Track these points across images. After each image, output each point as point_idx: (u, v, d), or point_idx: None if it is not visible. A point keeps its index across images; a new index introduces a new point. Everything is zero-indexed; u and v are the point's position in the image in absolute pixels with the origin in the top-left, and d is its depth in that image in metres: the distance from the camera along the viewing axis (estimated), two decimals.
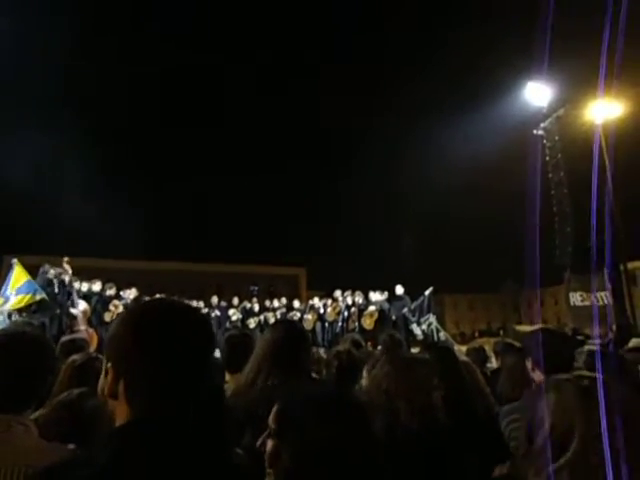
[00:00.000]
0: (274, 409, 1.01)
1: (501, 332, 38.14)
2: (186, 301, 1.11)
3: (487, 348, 4.65)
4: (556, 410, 1.25)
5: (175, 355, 0.91)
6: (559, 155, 16.47)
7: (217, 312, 12.95)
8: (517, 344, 4.00)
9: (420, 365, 1.70)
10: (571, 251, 15.88)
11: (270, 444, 0.97)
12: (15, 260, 8.63)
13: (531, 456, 1.26)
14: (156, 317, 0.95)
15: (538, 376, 1.97)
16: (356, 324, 12.19)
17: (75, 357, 2.31)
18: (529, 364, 2.03)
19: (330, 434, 0.93)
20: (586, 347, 4.02)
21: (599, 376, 1.24)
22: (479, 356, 4.25)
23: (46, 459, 1.14)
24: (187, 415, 0.92)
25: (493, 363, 4.43)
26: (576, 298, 15.40)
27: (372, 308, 12.18)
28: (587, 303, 15.00)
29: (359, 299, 12.71)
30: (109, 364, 0.93)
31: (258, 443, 1.01)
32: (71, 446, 1.31)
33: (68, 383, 2.09)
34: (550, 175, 16.57)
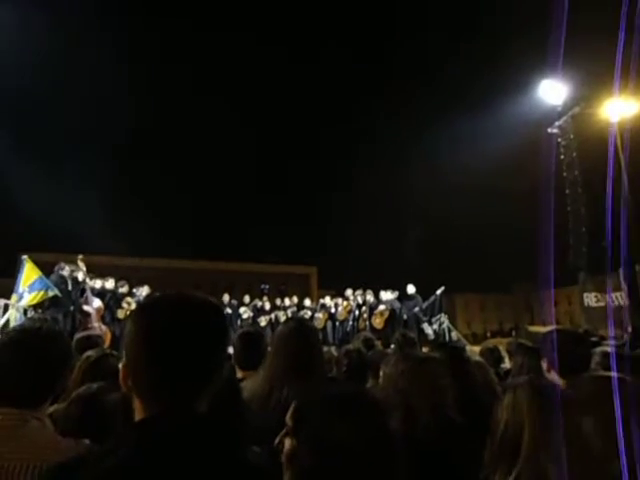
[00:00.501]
0: (291, 407, 1.01)
1: (513, 332, 37.82)
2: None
3: (501, 348, 4.61)
4: (509, 412, 1.27)
5: (181, 350, 0.89)
6: (574, 154, 16.25)
7: (228, 310, 13.01)
8: (530, 344, 3.96)
9: (433, 364, 1.70)
10: (586, 251, 15.67)
11: (288, 443, 0.96)
12: (25, 257, 8.60)
13: (493, 457, 1.28)
14: (161, 311, 0.93)
15: (554, 377, 1.94)
16: (367, 323, 12.17)
17: (90, 353, 2.34)
18: (544, 365, 2.01)
19: (347, 432, 0.92)
20: (599, 348, 3.97)
21: (614, 374, 1.23)
22: (493, 356, 4.21)
23: (61, 454, 1.14)
24: (199, 411, 0.91)
25: (507, 363, 4.39)
26: (590, 299, 15.21)
27: (382, 307, 12.15)
28: (602, 304, 14.80)
29: (370, 298, 12.69)
30: (124, 360, 0.93)
31: (276, 441, 1.00)
32: (86, 441, 1.31)
33: (82, 379, 2.11)
34: (565, 174, 16.36)
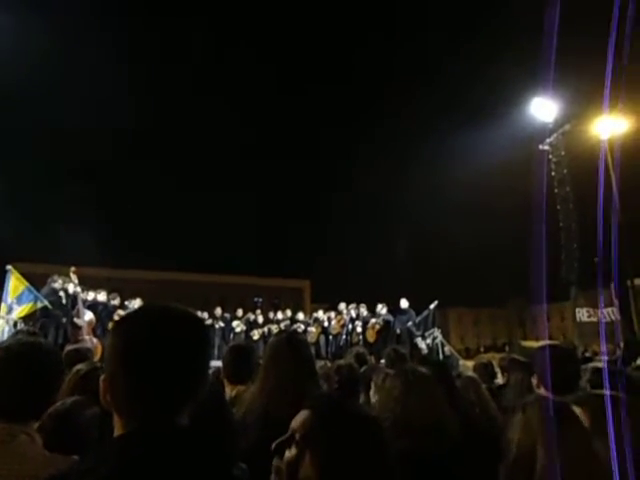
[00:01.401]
0: (303, 415, 0.98)
1: (506, 348, 37.81)
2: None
3: (494, 364, 4.62)
4: (520, 430, 1.28)
5: (160, 363, 0.87)
6: (565, 170, 16.46)
7: (221, 323, 12.92)
8: (523, 360, 3.97)
9: (430, 381, 1.69)
10: (577, 267, 15.78)
11: (293, 451, 0.94)
12: (10, 267, 8.49)
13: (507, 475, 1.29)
14: (140, 325, 0.91)
15: (544, 392, 1.95)
16: (360, 337, 12.12)
17: (80, 367, 2.31)
18: (534, 381, 2.02)
19: (360, 449, 0.92)
20: (590, 364, 3.97)
21: (607, 393, 1.25)
22: (487, 371, 4.22)
23: (50, 470, 1.13)
24: (181, 425, 0.89)
25: (499, 379, 4.40)
26: (582, 314, 15.28)
27: (374, 321, 12.12)
28: (594, 319, 14.87)
29: (364, 312, 12.66)
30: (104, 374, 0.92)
31: (273, 446, 0.97)
32: (75, 457, 1.29)
33: (71, 392, 2.09)
34: (556, 190, 16.55)
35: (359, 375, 2.88)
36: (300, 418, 0.98)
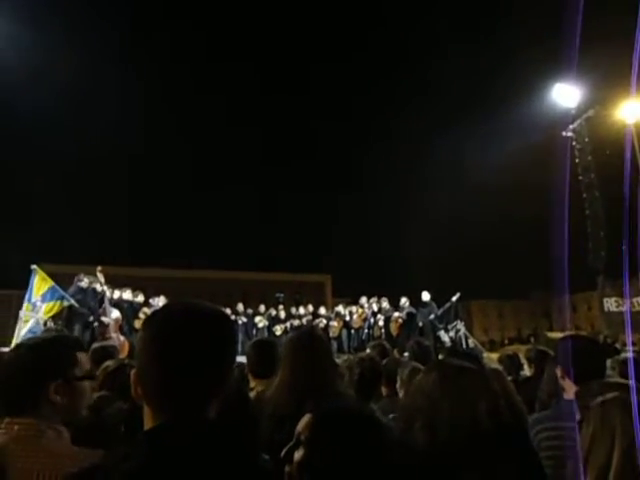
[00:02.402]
0: (309, 418, 1.00)
1: (532, 339, 37.20)
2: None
3: (520, 356, 4.54)
4: (597, 427, 1.24)
5: (190, 357, 0.90)
6: (589, 157, 16.05)
7: (243, 319, 13.05)
8: (550, 352, 3.90)
9: (468, 375, 1.65)
10: (604, 255, 15.39)
11: (300, 453, 0.96)
12: (35, 267, 8.66)
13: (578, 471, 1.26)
14: (171, 320, 0.95)
15: (568, 384, 1.91)
16: (382, 331, 12.09)
17: (108, 363, 2.37)
18: (559, 372, 1.98)
19: (366, 453, 0.92)
20: (622, 355, 3.87)
21: (632, 383, 1.21)
22: (513, 363, 4.15)
23: (77, 464, 1.15)
24: (209, 418, 0.91)
25: (526, 370, 4.33)
26: (610, 304, 14.92)
27: (397, 314, 12.07)
28: (622, 309, 14.51)
29: (385, 305, 12.62)
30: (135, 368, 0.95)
31: (282, 453, 1.00)
32: (100, 452, 1.32)
33: (100, 388, 2.15)
34: (580, 177, 16.16)
35: (381, 368, 2.88)
36: (304, 421, 1.00)
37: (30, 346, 1.41)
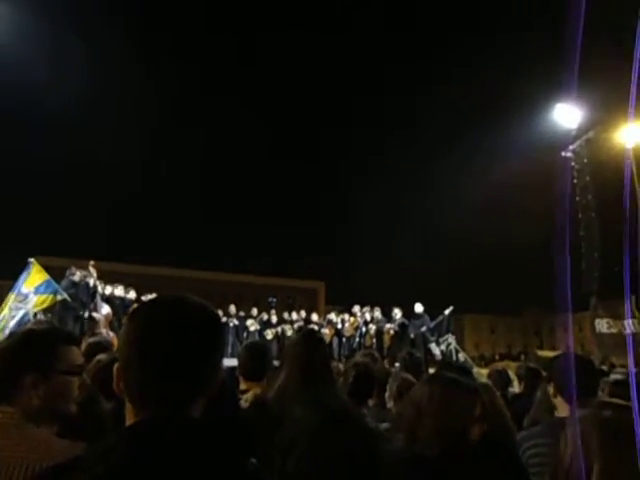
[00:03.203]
0: (313, 419, 1.00)
1: (522, 357, 37.22)
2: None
3: (509, 372, 4.55)
4: (575, 443, 1.24)
5: (173, 352, 0.87)
6: (587, 178, 16.16)
7: (235, 321, 13.00)
8: (541, 370, 3.91)
9: (463, 391, 1.66)
10: (598, 277, 15.46)
11: (300, 452, 0.95)
12: (32, 260, 8.63)
13: None
14: (155, 313, 0.92)
15: (560, 402, 1.91)
16: (374, 340, 12.08)
17: (100, 357, 2.36)
18: (551, 389, 1.98)
19: (335, 452, 0.92)
20: (612, 376, 3.88)
21: (635, 404, 1.21)
22: (501, 379, 4.16)
23: (59, 456, 1.13)
24: (191, 417, 0.88)
25: (515, 387, 4.33)
26: (602, 325, 14.95)
27: (389, 326, 12.06)
28: (614, 330, 14.54)
29: (378, 315, 12.62)
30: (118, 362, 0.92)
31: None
32: (82, 444, 1.28)
33: (91, 382, 2.13)
34: (578, 198, 16.26)
35: (375, 374, 2.87)
36: (309, 421, 1.00)
37: (15, 336, 1.40)
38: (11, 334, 1.45)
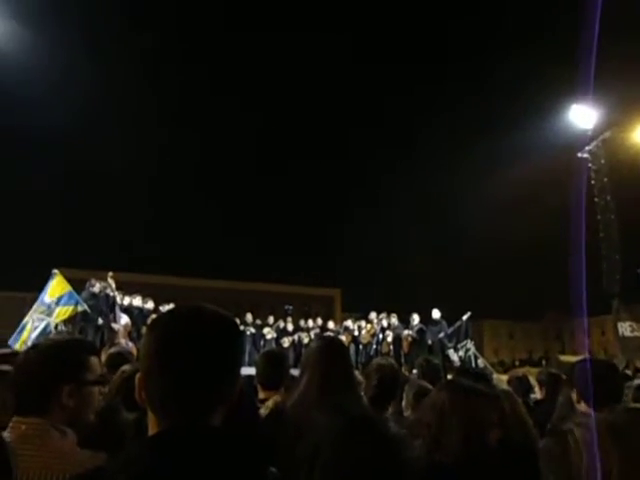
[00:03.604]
0: (336, 426, 1.00)
1: (543, 362, 36.57)
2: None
3: (530, 378, 4.48)
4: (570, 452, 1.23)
5: (194, 361, 0.87)
6: (605, 179, 15.91)
7: (252, 330, 13.03)
8: (562, 375, 3.84)
9: (480, 397, 1.64)
10: (619, 278, 15.15)
11: (325, 458, 0.95)
12: (56, 271, 8.78)
13: None
14: (175, 323, 0.93)
15: (584, 408, 1.88)
16: (391, 347, 11.99)
17: (125, 368, 2.40)
18: (574, 395, 1.95)
19: (358, 459, 0.92)
20: (636, 381, 3.79)
21: None
22: (522, 385, 4.09)
23: (80, 466, 1.15)
24: (212, 426, 0.89)
25: (537, 393, 4.26)
26: (625, 328, 14.63)
27: (407, 332, 11.97)
28: (637, 334, 14.22)
29: (395, 321, 12.53)
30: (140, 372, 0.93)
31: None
32: (103, 455, 1.30)
33: (116, 392, 2.17)
34: (596, 199, 16.01)
35: (401, 377, 2.84)
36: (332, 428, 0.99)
37: (45, 347, 1.41)
38: (35, 345, 1.47)
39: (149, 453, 0.82)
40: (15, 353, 2.17)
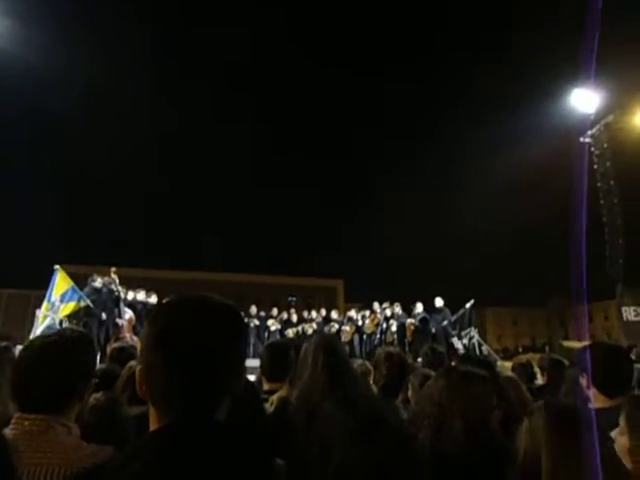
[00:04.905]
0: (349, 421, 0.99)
1: (547, 348, 36.64)
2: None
3: (533, 364, 4.47)
4: (527, 438, 1.22)
5: (197, 353, 0.84)
6: (608, 163, 15.79)
7: (256, 322, 13.07)
8: (565, 361, 3.83)
9: (478, 381, 1.63)
10: (623, 263, 15.11)
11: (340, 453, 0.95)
12: (58, 267, 8.81)
13: None
14: (177, 314, 0.89)
15: (595, 393, 1.86)
16: (395, 336, 12.02)
17: (132, 363, 2.40)
18: (584, 381, 1.93)
19: (369, 454, 0.91)
20: (638, 365, 3.77)
21: None
22: (526, 372, 4.08)
23: (85, 460, 1.15)
24: (216, 420, 0.86)
25: (539, 379, 4.25)
26: (629, 313, 14.61)
27: (410, 320, 11.98)
28: None
29: (398, 311, 12.54)
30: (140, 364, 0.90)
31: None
32: (109, 448, 1.28)
33: (124, 388, 2.17)
34: (599, 184, 15.91)
35: (409, 366, 2.84)
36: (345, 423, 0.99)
37: (63, 343, 1.39)
38: (48, 341, 1.43)
39: (152, 448, 0.80)
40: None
